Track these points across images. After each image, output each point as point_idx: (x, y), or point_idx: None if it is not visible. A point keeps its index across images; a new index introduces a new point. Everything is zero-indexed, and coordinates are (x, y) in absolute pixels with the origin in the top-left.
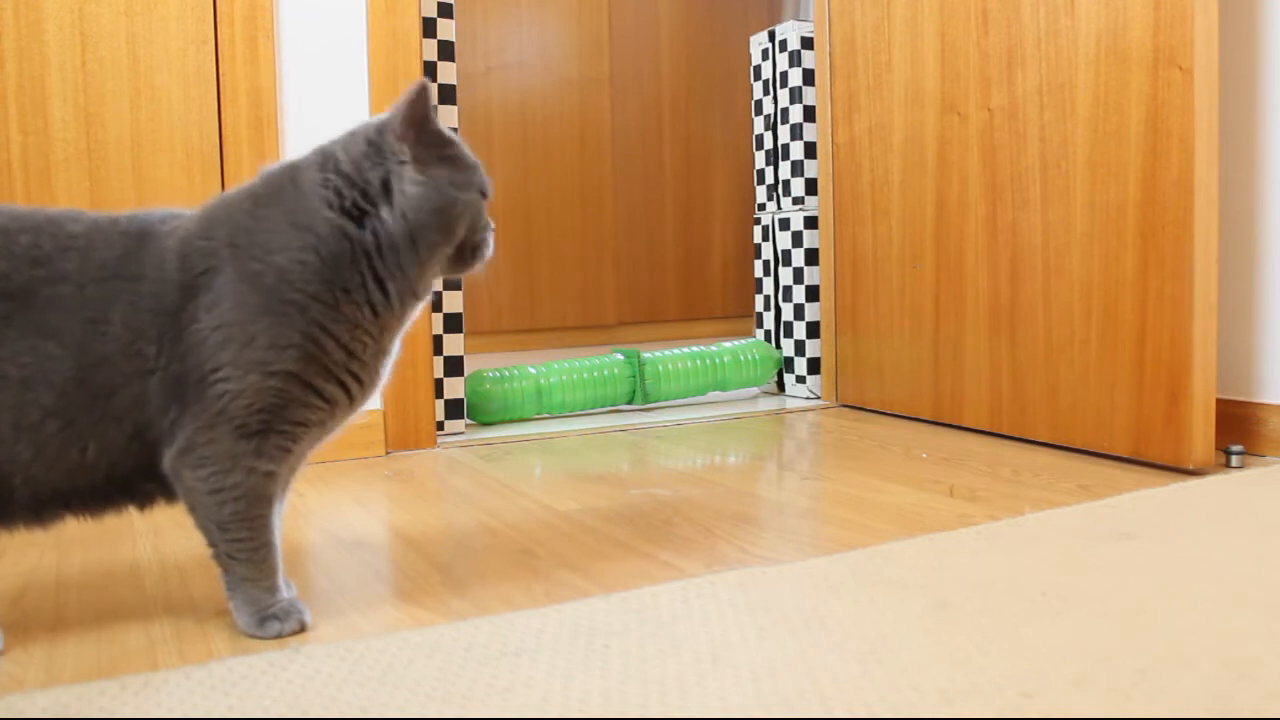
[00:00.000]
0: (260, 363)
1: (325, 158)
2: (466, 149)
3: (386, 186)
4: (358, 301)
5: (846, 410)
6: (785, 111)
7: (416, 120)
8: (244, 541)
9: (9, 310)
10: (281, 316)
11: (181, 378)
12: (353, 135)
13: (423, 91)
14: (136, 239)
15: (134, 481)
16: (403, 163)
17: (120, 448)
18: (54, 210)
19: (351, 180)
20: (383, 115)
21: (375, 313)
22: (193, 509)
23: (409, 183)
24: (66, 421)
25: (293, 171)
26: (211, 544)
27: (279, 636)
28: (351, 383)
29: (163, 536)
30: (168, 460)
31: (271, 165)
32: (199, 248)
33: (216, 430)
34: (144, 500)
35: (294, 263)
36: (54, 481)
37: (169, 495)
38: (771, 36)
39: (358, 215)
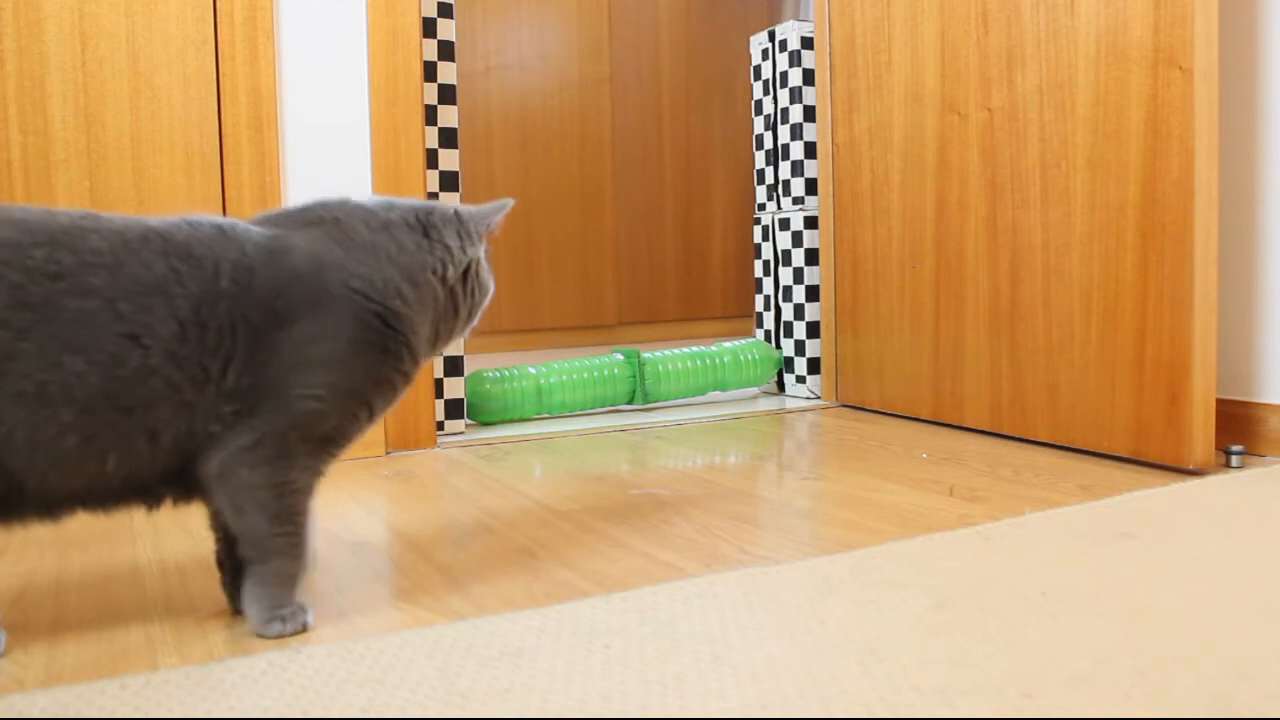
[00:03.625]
0: (356, 392)
1: (422, 225)
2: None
3: (469, 268)
4: (430, 352)
5: (846, 410)
6: (785, 111)
7: (495, 228)
8: (290, 535)
9: (27, 323)
10: (389, 356)
11: (256, 389)
12: (437, 213)
13: (508, 208)
14: (183, 259)
15: (151, 486)
16: (481, 254)
17: (146, 457)
18: (65, 219)
19: (453, 255)
20: (465, 207)
21: (425, 359)
22: (241, 509)
23: (484, 270)
24: (88, 436)
25: (385, 226)
26: (255, 541)
27: (280, 636)
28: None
29: (162, 537)
30: (217, 461)
31: (336, 205)
32: (307, 289)
33: (289, 435)
34: (156, 502)
35: (416, 315)
36: (68, 487)
37: (183, 498)
38: (771, 36)
39: (447, 284)
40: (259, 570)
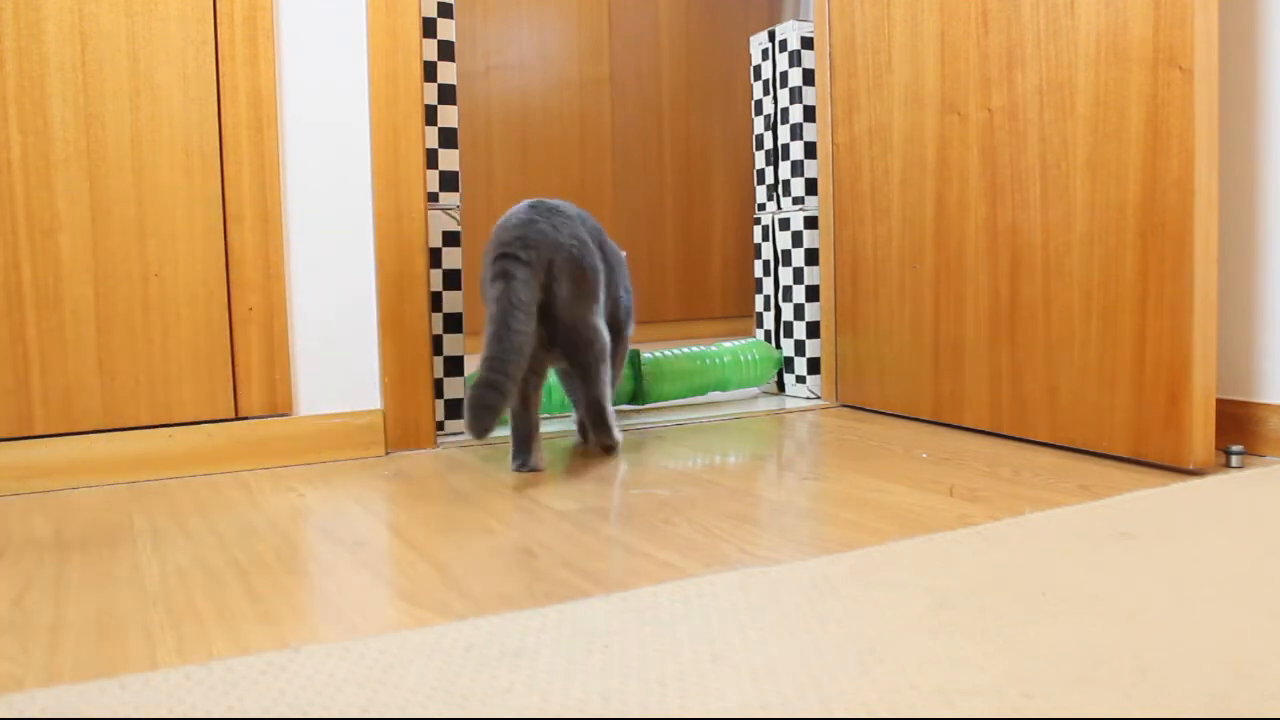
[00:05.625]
0: None
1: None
2: None
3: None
4: None
5: (846, 410)
6: (785, 111)
7: None
8: None
9: (612, 262)
10: None
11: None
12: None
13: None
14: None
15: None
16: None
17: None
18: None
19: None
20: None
21: None
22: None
23: (624, 291)
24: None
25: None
26: (607, 380)
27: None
28: None
29: (162, 537)
30: (617, 332)
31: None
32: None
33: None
34: None
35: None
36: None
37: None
38: (771, 36)
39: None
40: (610, 399)
